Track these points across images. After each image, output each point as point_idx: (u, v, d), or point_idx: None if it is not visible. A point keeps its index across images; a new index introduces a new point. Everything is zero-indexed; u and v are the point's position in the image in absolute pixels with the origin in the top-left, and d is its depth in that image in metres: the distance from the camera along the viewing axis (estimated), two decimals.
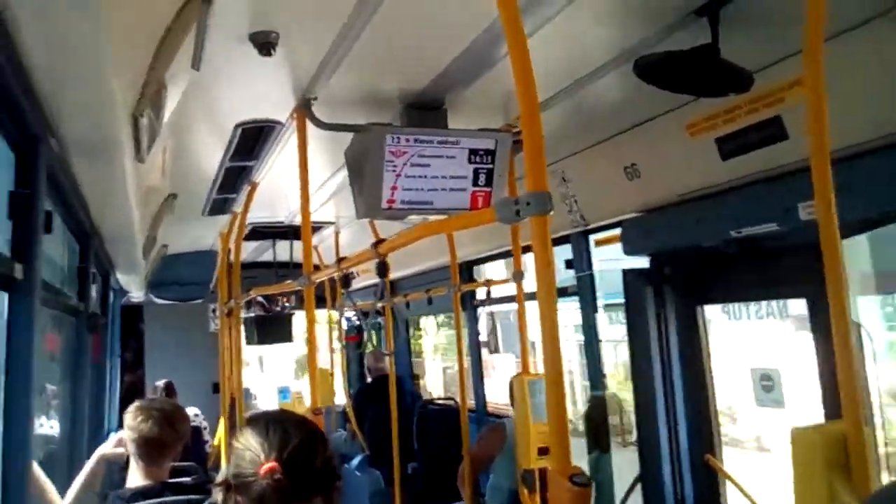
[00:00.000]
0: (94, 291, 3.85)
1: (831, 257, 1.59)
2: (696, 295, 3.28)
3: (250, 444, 1.41)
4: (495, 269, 6.13)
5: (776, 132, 2.35)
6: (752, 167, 2.54)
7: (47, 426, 3.23)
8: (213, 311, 7.23)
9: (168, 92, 1.95)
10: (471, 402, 5.70)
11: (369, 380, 6.49)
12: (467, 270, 5.37)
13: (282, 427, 1.43)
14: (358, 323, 7.64)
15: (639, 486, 3.49)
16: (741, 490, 3.22)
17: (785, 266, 2.76)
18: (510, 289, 3.55)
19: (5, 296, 1.74)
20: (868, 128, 2.10)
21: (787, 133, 2.33)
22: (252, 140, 2.97)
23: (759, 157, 2.47)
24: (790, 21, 1.62)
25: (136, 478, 2.41)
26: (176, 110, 2.25)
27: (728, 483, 3.23)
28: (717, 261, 3.04)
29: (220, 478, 1.49)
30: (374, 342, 7.23)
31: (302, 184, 2.63)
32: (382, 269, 2.31)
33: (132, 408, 2.43)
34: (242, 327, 5.97)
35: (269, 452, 1.38)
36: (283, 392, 9.10)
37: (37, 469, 2.37)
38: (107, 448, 2.54)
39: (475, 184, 2.74)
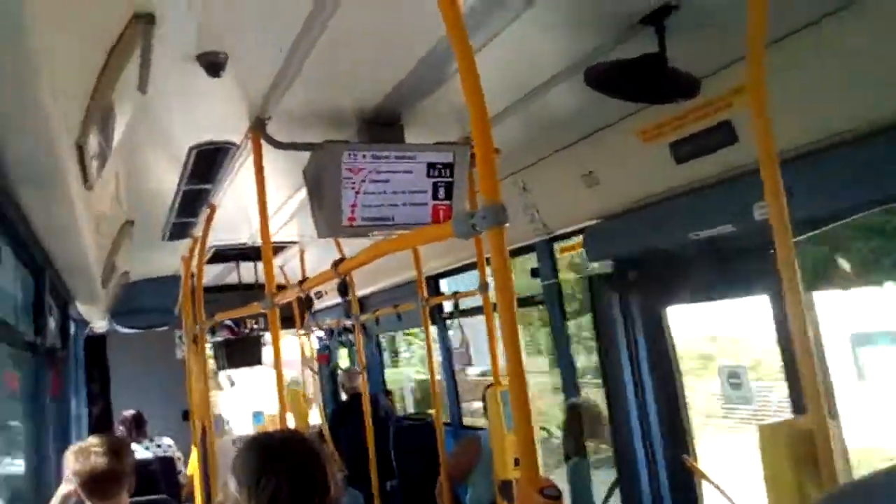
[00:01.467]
0: (52, 324, 3.75)
1: (785, 256, 1.61)
2: (660, 297, 3.31)
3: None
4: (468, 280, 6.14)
5: (726, 136, 2.39)
6: (707, 170, 2.58)
7: (13, 465, 3.13)
8: (180, 337, 7.10)
9: (116, 116, 1.91)
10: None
11: (344, 398, 6.42)
12: (434, 284, 5.36)
13: (274, 478, 1.44)
14: (327, 342, 7.58)
15: (617, 491, 3.51)
16: (718, 489, 3.24)
17: (744, 265, 2.80)
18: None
19: None
20: (815, 128, 2.15)
21: (737, 136, 2.37)
22: (208, 162, 2.93)
23: (713, 160, 2.51)
24: (735, 28, 1.65)
25: None
26: (126, 135, 2.21)
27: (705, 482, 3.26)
28: (678, 263, 3.08)
29: None
30: (344, 361, 7.18)
31: (260, 205, 2.60)
32: (344, 289, 2.28)
33: (69, 453, 2.37)
34: (211, 352, 5.89)
35: None
36: (258, 416, 8.97)
37: None
38: (64, 487, 2.46)
39: (435, 197, 2.73)
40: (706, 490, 3.34)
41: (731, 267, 2.89)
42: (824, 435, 1.58)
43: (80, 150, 1.77)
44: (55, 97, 1.49)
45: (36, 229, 2.57)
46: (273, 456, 1.50)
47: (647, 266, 3.24)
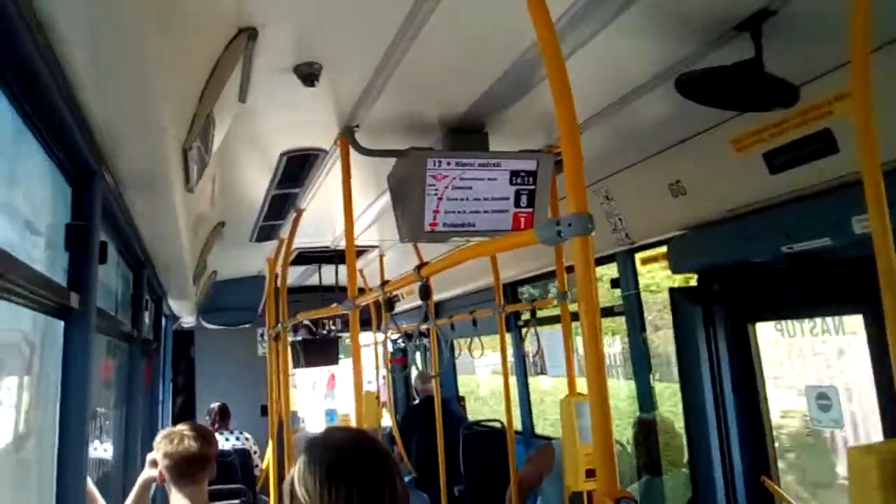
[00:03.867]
0: (147, 318, 3.95)
1: (887, 271, 1.54)
2: (746, 312, 3.20)
3: (321, 496, 1.39)
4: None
5: (826, 145, 2.30)
6: (802, 181, 2.48)
7: (101, 449, 3.32)
8: (262, 335, 7.35)
9: (216, 124, 2.01)
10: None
11: (416, 402, 6.49)
12: (511, 291, 5.35)
13: (344, 485, 1.39)
14: (403, 345, 7.67)
15: None
16: None
17: (838, 281, 2.68)
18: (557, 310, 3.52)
19: (62, 323, 1.80)
20: None
21: (837, 146, 2.27)
22: (297, 167, 3.03)
23: (809, 170, 2.41)
24: (835, 33, 1.59)
25: (178, 501, 2.45)
26: (223, 141, 2.31)
27: None
28: (766, 277, 2.97)
29: None
30: (420, 364, 7.25)
31: (346, 209, 2.67)
32: (425, 292, 2.31)
33: (160, 436, 2.48)
34: (289, 350, 6.05)
35: None
36: (330, 414, 9.16)
37: (92, 488, 2.44)
38: (146, 473, 2.59)
39: (517, 205, 2.74)
40: None
41: (824, 283, 2.77)
42: None
43: (185, 154, 1.87)
44: (166, 104, 1.58)
45: (139, 228, 2.72)
46: (342, 459, 1.43)
47: (734, 279, 3.14)
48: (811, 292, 2.87)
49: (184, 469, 2.41)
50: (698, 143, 2.81)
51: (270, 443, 4.87)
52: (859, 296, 2.55)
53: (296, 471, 1.45)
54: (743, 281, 3.10)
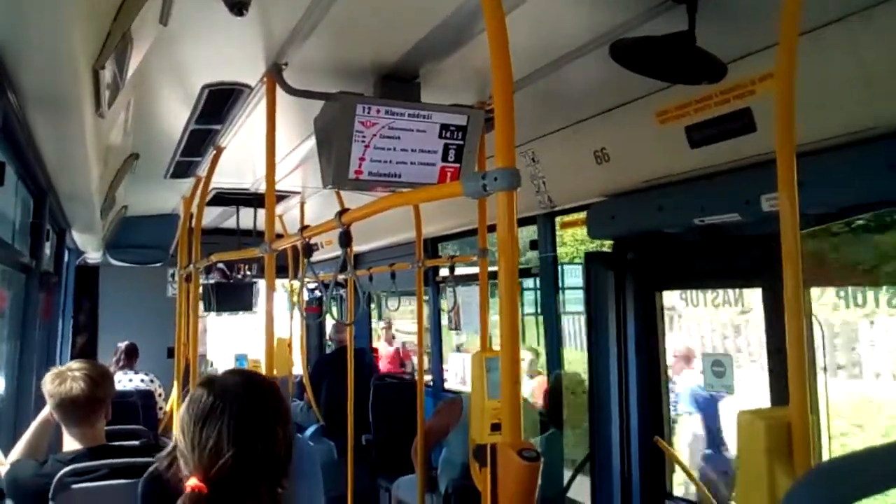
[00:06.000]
0: (47, 249, 3.74)
1: (790, 249, 1.62)
2: (655, 280, 3.33)
3: (195, 435, 1.36)
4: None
5: (745, 123, 2.38)
6: (720, 157, 2.57)
7: None
8: (172, 275, 7.11)
9: (133, 46, 1.88)
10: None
11: (328, 350, 6.47)
12: (432, 247, 5.37)
13: (239, 422, 1.36)
14: (319, 294, 7.60)
15: (588, 466, 3.56)
16: (686, 472, 3.30)
17: (743, 255, 2.81)
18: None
19: None
20: (834, 124, 2.14)
21: (755, 125, 2.36)
22: (219, 103, 2.90)
23: (727, 147, 2.50)
24: (766, 14, 1.63)
25: (70, 443, 2.36)
26: (141, 67, 2.18)
27: (677, 466, 3.32)
28: (677, 248, 3.09)
29: (167, 450, 1.46)
30: (335, 314, 7.22)
31: (268, 150, 2.59)
32: (345, 239, 2.28)
33: (48, 375, 2.38)
34: (202, 293, 5.89)
35: (207, 463, 1.34)
36: (240, 360, 9.03)
37: None
38: (46, 411, 2.48)
39: (444, 159, 2.73)
40: (677, 474, 3.40)
41: (729, 256, 2.91)
42: (803, 427, 1.58)
43: (96, 75, 1.76)
44: (77, 18, 1.47)
45: (43, 152, 2.55)
46: (220, 400, 1.39)
47: (646, 248, 3.25)
48: (717, 265, 3.01)
49: (69, 410, 2.32)
50: (625, 112, 2.87)
51: (175, 385, 4.76)
52: (760, 270, 2.69)
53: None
54: (655, 250, 3.21)
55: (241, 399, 1.41)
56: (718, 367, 3.26)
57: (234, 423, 1.36)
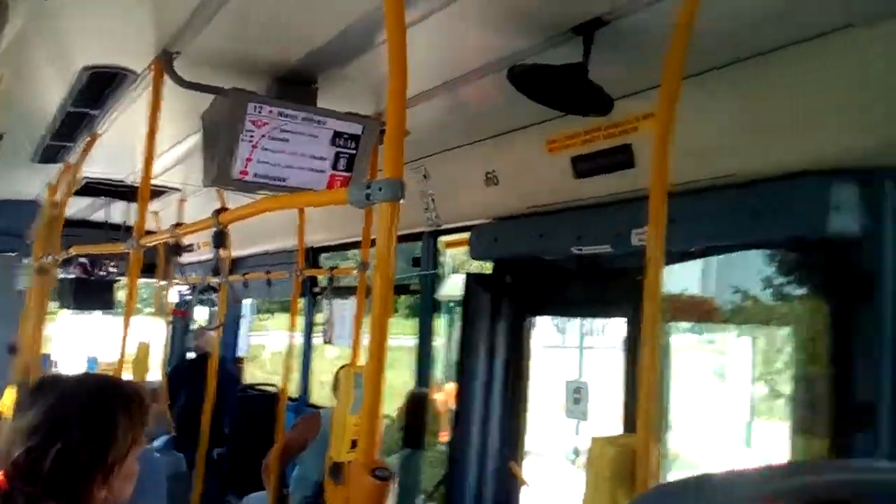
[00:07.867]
0: None
1: (652, 283, 1.70)
2: (528, 305, 3.41)
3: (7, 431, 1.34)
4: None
5: (625, 159, 2.50)
6: (601, 189, 2.69)
7: None
8: (25, 267, 6.57)
9: (8, 15, 1.75)
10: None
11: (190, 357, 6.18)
12: (313, 257, 5.28)
13: (45, 418, 1.32)
14: (189, 298, 7.27)
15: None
16: (535, 499, 3.37)
17: (611, 286, 2.95)
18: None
19: None
20: (707, 167, 2.29)
21: (633, 161, 2.50)
22: (100, 87, 2.73)
23: (608, 180, 2.63)
24: (656, 54, 1.71)
25: None
26: (16, 39, 2.03)
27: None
28: (553, 274, 3.20)
29: None
30: (203, 320, 6.92)
31: (148, 140, 2.47)
32: (220, 239, 2.19)
33: None
34: (58, 289, 5.46)
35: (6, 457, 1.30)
36: (91, 362, 8.47)
37: None
38: None
39: (335, 167, 2.70)
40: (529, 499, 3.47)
41: (597, 287, 3.04)
42: (648, 456, 1.65)
43: None
44: None
45: None
46: (38, 391, 1.37)
47: (524, 273, 3.33)
48: (588, 294, 3.14)
49: None
50: (517, 138, 2.95)
51: (9, 387, 4.37)
52: (625, 302, 2.83)
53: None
54: (531, 275, 3.31)
55: (57, 397, 1.36)
56: (577, 393, 3.37)
57: (41, 418, 1.32)
